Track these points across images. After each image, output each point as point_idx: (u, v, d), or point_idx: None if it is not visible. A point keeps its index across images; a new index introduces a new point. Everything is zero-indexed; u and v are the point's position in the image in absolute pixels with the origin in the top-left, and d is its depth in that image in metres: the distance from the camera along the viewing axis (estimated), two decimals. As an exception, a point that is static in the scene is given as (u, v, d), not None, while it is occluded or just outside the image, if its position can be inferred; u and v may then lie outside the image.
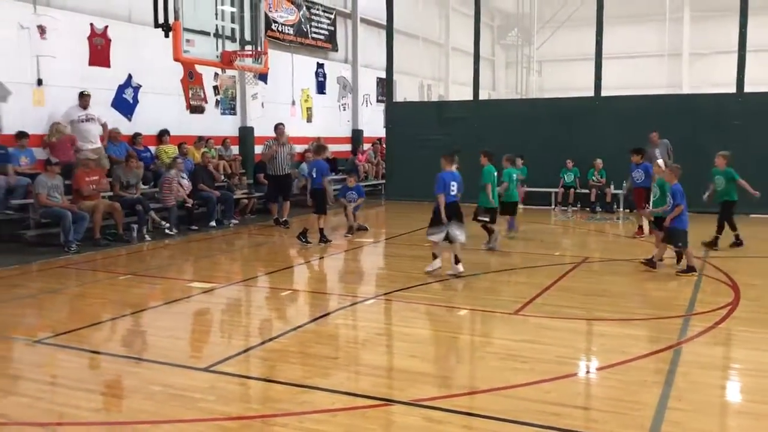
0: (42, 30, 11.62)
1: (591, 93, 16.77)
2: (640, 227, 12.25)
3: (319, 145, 12.23)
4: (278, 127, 13.59)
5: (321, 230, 11.37)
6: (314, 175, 11.14)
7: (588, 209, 15.96)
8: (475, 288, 8.26)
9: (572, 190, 16.34)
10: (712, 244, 10.59)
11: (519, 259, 10.27)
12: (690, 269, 8.67)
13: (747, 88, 15.33)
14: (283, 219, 13.34)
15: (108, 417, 4.57)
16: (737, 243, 10.69)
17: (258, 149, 16.67)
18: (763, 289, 8.05)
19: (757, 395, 4.80)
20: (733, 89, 15.47)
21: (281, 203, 13.62)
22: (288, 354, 5.82)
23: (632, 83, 22.25)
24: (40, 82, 11.70)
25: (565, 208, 16.28)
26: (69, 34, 12.19)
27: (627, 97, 16.79)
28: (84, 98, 12.05)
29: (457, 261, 8.61)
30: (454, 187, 8.71)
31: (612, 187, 15.86)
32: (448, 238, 8.66)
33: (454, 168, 8.89)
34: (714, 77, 22.01)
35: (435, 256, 8.88)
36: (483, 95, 26.30)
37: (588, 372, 5.23)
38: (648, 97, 16.68)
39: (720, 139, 14.93)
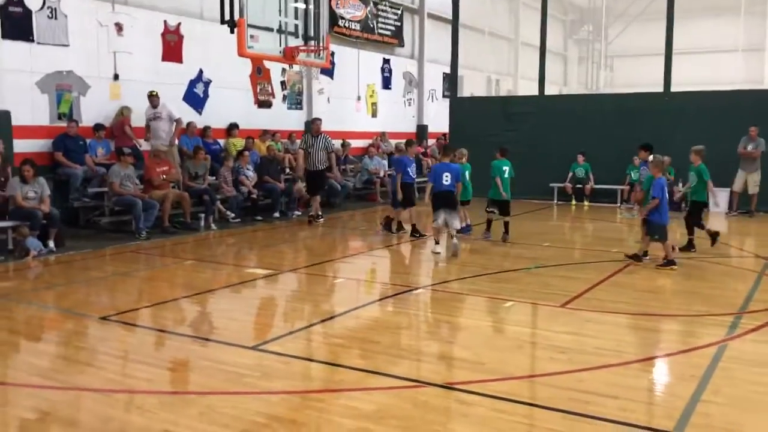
0: (119, 27, 12.26)
1: (661, 88, 16.37)
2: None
3: (409, 141, 12.35)
4: (315, 123, 13.35)
5: (413, 225, 11.59)
6: (405, 171, 11.38)
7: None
8: (525, 281, 8.30)
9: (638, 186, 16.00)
10: (689, 247, 10.22)
11: (575, 255, 10.21)
12: (669, 263, 8.81)
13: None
14: (315, 213, 13.08)
15: (159, 387, 4.90)
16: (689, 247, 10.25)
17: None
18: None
19: (799, 393, 4.72)
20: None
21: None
22: (332, 337, 6.05)
23: (709, 79, 21.56)
24: (116, 77, 12.36)
25: (631, 205, 15.94)
26: (144, 31, 12.81)
27: (698, 93, 16.30)
28: (152, 98, 12.57)
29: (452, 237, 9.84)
30: (447, 178, 9.74)
31: (680, 185, 15.44)
32: (446, 224, 9.79)
33: (447, 160, 10.10)
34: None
35: (436, 241, 9.98)
36: (553, 90, 26.03)
37: (625, 364, 5.23)
38: (721, 93, 16.13)
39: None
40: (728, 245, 11.21)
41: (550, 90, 23.66)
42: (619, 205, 16.15)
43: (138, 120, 12.63)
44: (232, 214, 12.73)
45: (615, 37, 27.47)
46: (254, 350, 5.58)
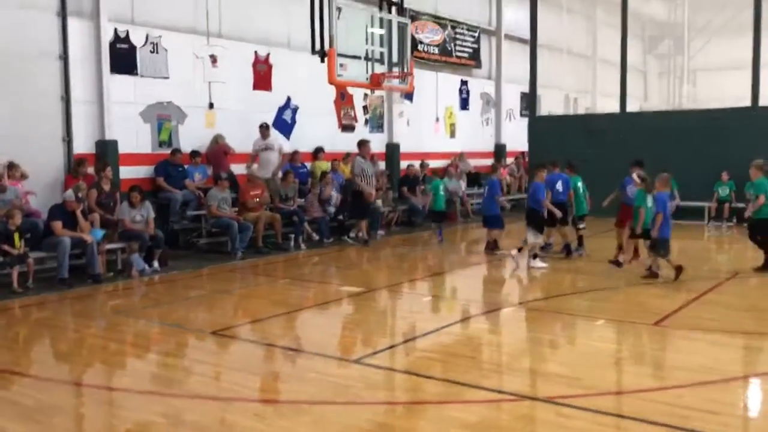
0: (213, 59, 12.98)
1: (748, 102, 16.00)
2: (635, 250, 10.68)
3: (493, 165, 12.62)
4: (366, 144, 13.22)
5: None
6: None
7: (744, 224, 15.18)
8: (614, 300, 8.34)
9: (727, 204, 15.63)
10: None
11: (665, 274, 10.10)
12: (652, 275, 9.20)
13: None
14: (365, 238, 13.03)
15: (272, 396, 5.25)
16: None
17: (404, 164, 17.42)
18: None
19: None
20: None
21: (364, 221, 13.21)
22: (429, 351, 6.30)
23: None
24: (211, 105, 13.06)
25: (719, 223, 15.60)
26: (236, 62, 13.51)
27: (788, 106, 15.84)
28: (263, 129, 13.41)
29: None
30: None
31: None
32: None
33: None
34: None
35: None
36: (634, 107, 25.64)
37: (723, 381, 5.26)
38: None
39: None
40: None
41: (631, 106, 23.35)
42: (706, 222, 15.80)
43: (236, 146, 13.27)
44: (317, 236, 13.13)
45: (698, 51, 26.87)
46: (357, 363, 5.88)
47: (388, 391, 5.32)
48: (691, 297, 8.20)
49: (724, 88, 22.20)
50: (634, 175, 10.26)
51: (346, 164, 15.28)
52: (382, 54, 11.52)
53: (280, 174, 13.42)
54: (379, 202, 14.35)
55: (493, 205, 12.09)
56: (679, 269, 9.05)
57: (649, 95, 30.89)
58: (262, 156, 13.33)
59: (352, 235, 13.35)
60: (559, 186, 11.22)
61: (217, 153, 13.04)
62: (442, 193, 14.32)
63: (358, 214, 13.21)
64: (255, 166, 13.30)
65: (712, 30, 24.77)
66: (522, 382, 5.42)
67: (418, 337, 6.83)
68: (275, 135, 13.77)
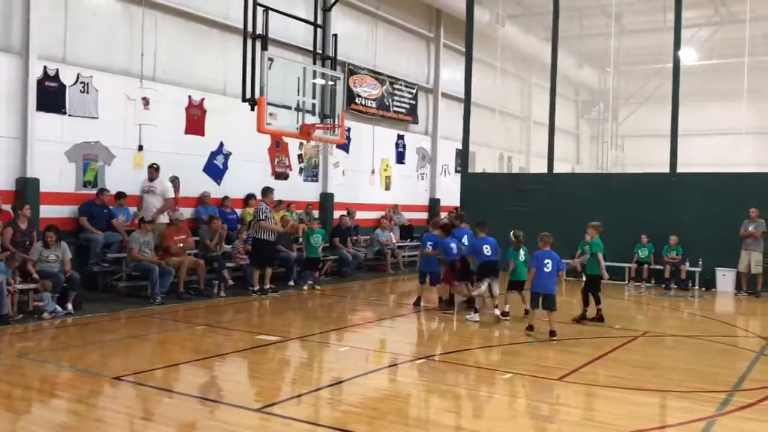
0: (146, 101, 12.96)
1: (667, 169, 16.78)
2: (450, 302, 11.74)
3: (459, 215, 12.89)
4: (270, 192, 13.04)
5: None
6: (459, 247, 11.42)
7: (663, 286, 15.77)
8: (524, 354, 8.50)
9: (646, 265, 16.21)
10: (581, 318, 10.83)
11: (576, 331, 10.36)
12: (529, 327, 9.63)
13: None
14: (268, 286, 12.78)
15: (166, 444, 5.15)
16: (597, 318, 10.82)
17: (337, 214, 17.53)
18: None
19: (779, 468, 4.88)
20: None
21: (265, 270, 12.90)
22: (332, 402, 6.29)
23: (720, 160, 21.92)
24: (141, 147, 12.98)
25: (639, 283, 16.14)
26: (169, 105, 13.51)
27: (704, 174, 16.66)
28: (151, 170, 12.69)
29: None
30: (488, 249, 10.90)
31: (687, 263, 15.68)
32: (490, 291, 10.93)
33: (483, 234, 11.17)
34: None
35: (476, 310, 10.80)
36: (566, 168, 26.49)
37: (613, 436, 5.42)
38: (726, 174, 16.49)
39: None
40: (732, 325, 11.33)
41: (563, 168, 24.12)
42: (626, 282, 16.31)
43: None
44: (231, 282, 12.93)
45: (624, 119, 28.13)
46: (258, 412, 5.82)
47: (285, 441, 5.28)
48: (598, 353, 8.43)
49: (649, 154, 23.23)
50: (511, 234, 11.25)
51: (277, 212, 15.29)
52: (314, 105, 11.74)
53: (163, 219, 12.59)
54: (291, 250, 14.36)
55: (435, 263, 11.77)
56: (530, 328, 9.66)
57: (582, 158, 32.03)
58: (144, 198, 12.70)
59: (255, 287, 12.69)
60: (465, 240, 11.68)
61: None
62: (313, 244, 14.15)
63: (261, 262, 12.78)
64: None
65: (639, 98, 26.01)
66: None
67: (326, 386, 6.81)
68: (163, 179, 12.81)
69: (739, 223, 14.80)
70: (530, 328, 9.69)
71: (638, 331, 10.19)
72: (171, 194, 12.75)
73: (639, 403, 6.45)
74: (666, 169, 16.80)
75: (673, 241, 15.96)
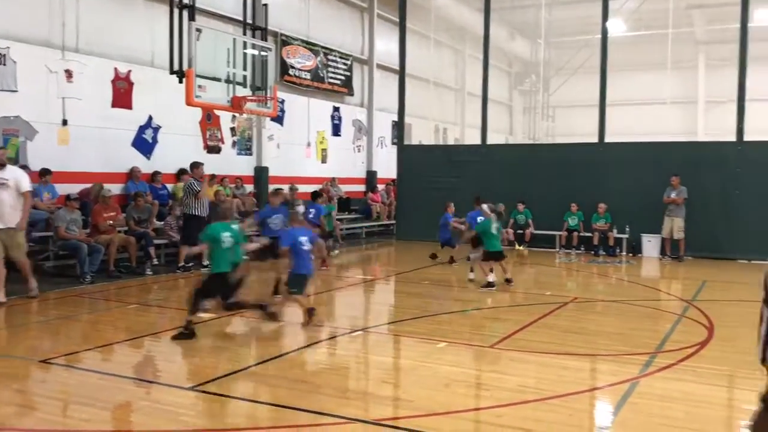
0: (69, 74, 12.47)
1: (596, 139, 17.22)
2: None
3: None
4: (198, 166, 12.59)
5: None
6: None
7: (591, 252, 16.28)
8: (460, 323, 8.68)
9: (576, 233, 16.68)
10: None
11: (511, 298, 10.64)
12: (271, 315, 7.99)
13: (748, 137, 15.68)
14: (191, 264, 12.42)
15: (97, 426, 5.05)
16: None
17: (271, 187, 17.34)
18: (736, 330, 8.32)
19: (696, 423, 5.14)
20: (734, 137, 15.82)
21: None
22: (268, 378, 6.29)
23: (647, 129, 22.62)
24: (65, 122, 12.51)
25: (569, 251, 16.61)
26: (94, 78, 13.03)
27: (629, 144, 17.18)
28: None
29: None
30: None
31: (615, 231, 16.21)
32: None
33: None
34: (728, 125, 22.31)
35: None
36: (500, 139, 26.90)
37: (542, 400, 5.60)
38: (650, 144, 17.03)
39: (721, 184, 15.34)
40: (656, 289, 11.82)
41: (497, 139, 24.45)
42: (557, 250, 16.77)
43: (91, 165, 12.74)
44: (156, 260, 12.63)
45: (555, 90, 28.66)
46: (193, 390, 5.77)
47: (221, 418, 5.26)
48: (529, 320, 8.67)
49: (578, 124, 23.78)
50: (485, 207, 11.07)
51: (211, 186, 15.03)
52: (245, 77, 11.52)
53: (15, 224, 9.32)
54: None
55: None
56: (310, 312, 8.24)
57: (515, 129, 32.55)
58: None
59: (181, 264, 12.37)
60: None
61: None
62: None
63: (193, 239, 11.98)
64: None
65: (569, 69, 26.50)
66: (355, 405, 5.51)
67: (260, 362, 6.80)
68: (14, 168, 9.72)
69: (663, 191, 15.36)
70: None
71: (568, 297, 10.52)
72: (27, 186, 9.50)
73: (568, 368, 6.67)
74: (594, 139, 17.25)
75: (602, 209, 16.46)
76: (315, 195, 14.14)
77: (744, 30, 15.65)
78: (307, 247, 8.23)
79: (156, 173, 14.24)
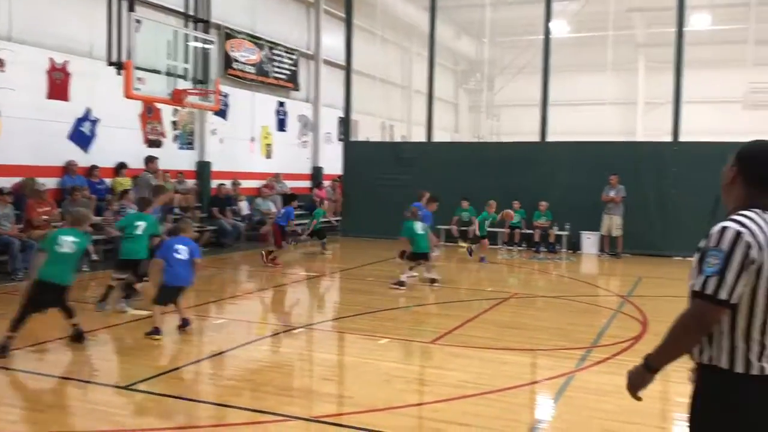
0: (1, 63, 12.00)
1: (538, 138, 17.50)
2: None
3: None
4: (155, 161, 12.72)
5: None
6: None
7: (533, 249, 16.55)
8: (402, 319, 8.72)
9: (518, 230, 16.93)
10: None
11: (453, 294, 10.73)
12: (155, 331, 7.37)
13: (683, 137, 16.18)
14: None
15: (25, 428, 4.89)
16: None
17: (214, 183, 17.11)
18: (668, 325, 8.56)
19: (628, 416, 5.26)
20: (670, 138, 16.31)
21: None
22: (205, 375, 6.20)
23: (589, 129, 23.11)
24: (-3, 113, 12.04)
25: (511, 247, 16.85)
26: (28, 68, 12.57)
27: (571, 144, 17.50)
28: None
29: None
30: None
31: (556, 228, 16.51)
32: None
33: None
34: (665, 126, 22.98)
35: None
36: (446, 137, 27.11)
37: (481, 395, 5.66)
38: (591, 143, 17.40)
39: (657, 183, 15.79)
40: (594, 285, 12.10)
41: (443, 137, 24.63)
42: (500, 246, 17.00)
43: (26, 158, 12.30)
44: (95, 257, 12.32)
45: (500, 89, 29.03)
46: (126, 390, 5.64)
47: (156, 418, 5.15)
48: (471, 315, 8.77)
49: (521, 123, 24.17)
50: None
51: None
52: (186, 70, 11.31)
53: None
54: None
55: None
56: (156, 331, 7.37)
57: (461, 127, 32.85)
58: None
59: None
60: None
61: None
62: None
63: None
64: None
65: (514, 68, 26.89)
66: (295, 403, 5.47)
67: (197, 361, 6.69)
68: None
69: (603, 190, 15.72)
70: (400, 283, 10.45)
71: (509, 293, 10.67)
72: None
73: (507, 362, 6.77)
74: (537, 138, 17.54)
75: (543, 207, 16.75)
76: (288, 198, 14.80)
77: (680, 34, 16.14)
78: (183, 256, 7.65)
79: (94, 167, 13.83)
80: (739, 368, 2.55)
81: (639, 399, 2.79)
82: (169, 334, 7.90)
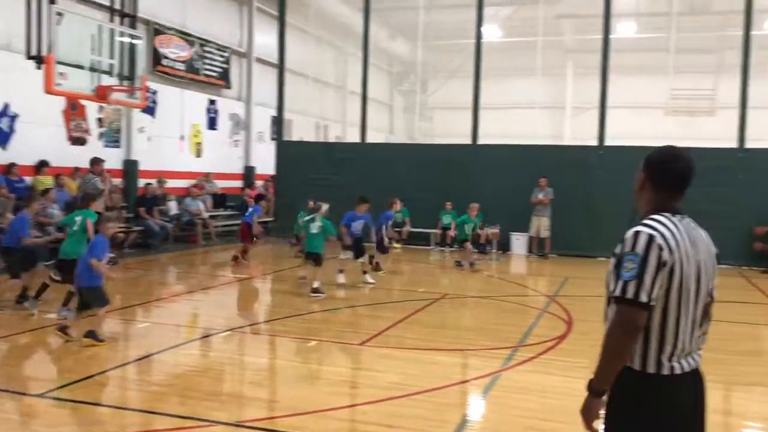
0: None
1: (470, 140, 17.74)
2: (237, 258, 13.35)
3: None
4: (100, 162, 12.66)
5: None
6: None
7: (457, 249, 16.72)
8: (332, 321, 8.69)
9: (449, 231, 17.09)
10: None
11: (384, 295, 10.75)
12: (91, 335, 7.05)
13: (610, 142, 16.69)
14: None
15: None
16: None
17: (141, 182, 16.66)
18: (592, 324, 8.79)
19: (550, 414, 5.38)
20: (596, 142, 16.80)
21: None
22: (127, 381, 6.01)
23: (520, 132, 23.51)
24: None
25: (443, 248, 17.01)
26: (-60, 60, 11.97)
27: (501, 146, 17.80)
28: None
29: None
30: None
31: (487, 229, 16.75)
32: None
33: None
34: (591, 131, 23.63)
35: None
36: (381, 138, 27.14)
37: (407, 396, 5.68)
38: (520, 146, 17.73)
39: (584, 186, 16.23)
40: (522, 285, 12.34)
41: (377, 138, 24.64)
42: (432, 247, 17.14)
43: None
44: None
45: (434, 92, 29.32)
46: (42, 398, 5.41)
47: (71, 426, 4.96)
48: (401, 317, 8.80)
49: (453, 125, 24.42)
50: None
51: (73, 180, 14.21)
52: (112, 66, 10.96)
53: None
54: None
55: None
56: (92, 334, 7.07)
57: (395, 128, 32.98)
58: None
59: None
60: None
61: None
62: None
63: None
64: None
65: (446, 72, 27.21)
66: (223, 408, 5.36)
67: (122, 365, 6.49)
68: None
69: (532, 192, 16.06)
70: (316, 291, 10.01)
71: (439, 294, 10.77)
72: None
73: (435, 363, 6.82)
74: (469, 141, 17.77)
75: (475, 209, 16.94)
76: (258, 198, 15.54)
77: (606, 41, 16.64)
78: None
79: (12, 165, 13.24)
80: (651, 368, 2.63)
81: (595, 431, 2.71)
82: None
